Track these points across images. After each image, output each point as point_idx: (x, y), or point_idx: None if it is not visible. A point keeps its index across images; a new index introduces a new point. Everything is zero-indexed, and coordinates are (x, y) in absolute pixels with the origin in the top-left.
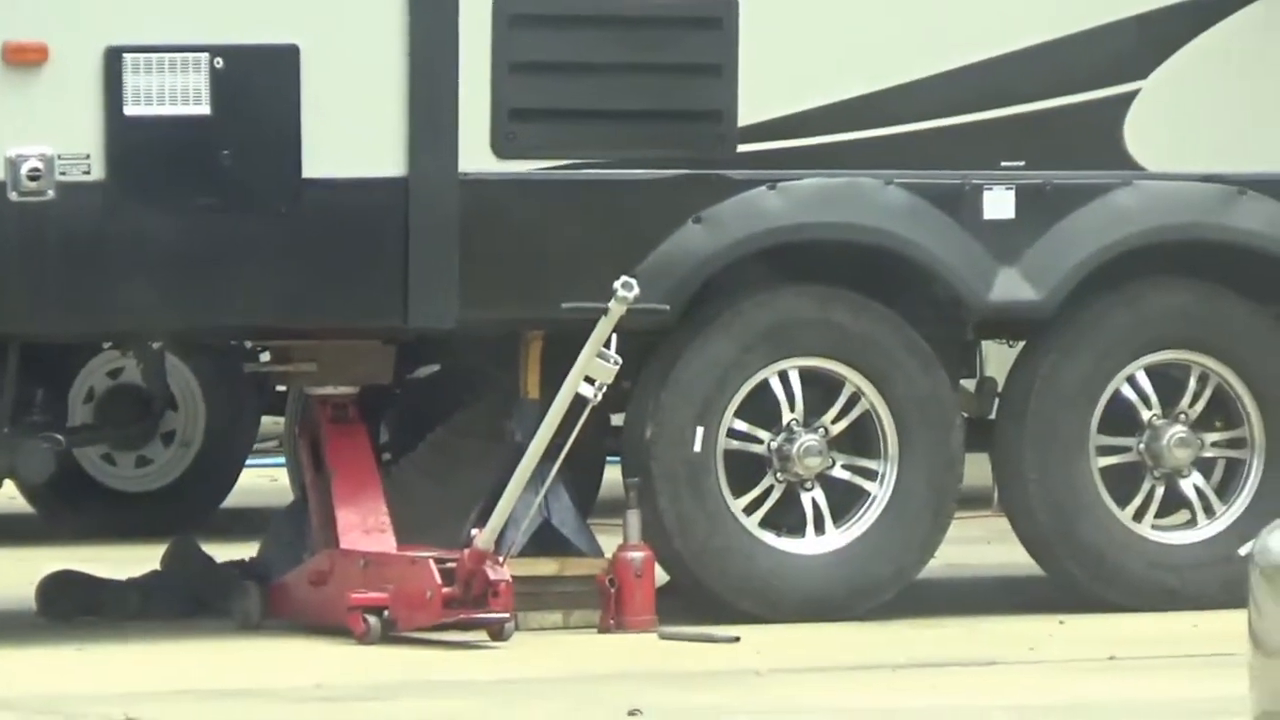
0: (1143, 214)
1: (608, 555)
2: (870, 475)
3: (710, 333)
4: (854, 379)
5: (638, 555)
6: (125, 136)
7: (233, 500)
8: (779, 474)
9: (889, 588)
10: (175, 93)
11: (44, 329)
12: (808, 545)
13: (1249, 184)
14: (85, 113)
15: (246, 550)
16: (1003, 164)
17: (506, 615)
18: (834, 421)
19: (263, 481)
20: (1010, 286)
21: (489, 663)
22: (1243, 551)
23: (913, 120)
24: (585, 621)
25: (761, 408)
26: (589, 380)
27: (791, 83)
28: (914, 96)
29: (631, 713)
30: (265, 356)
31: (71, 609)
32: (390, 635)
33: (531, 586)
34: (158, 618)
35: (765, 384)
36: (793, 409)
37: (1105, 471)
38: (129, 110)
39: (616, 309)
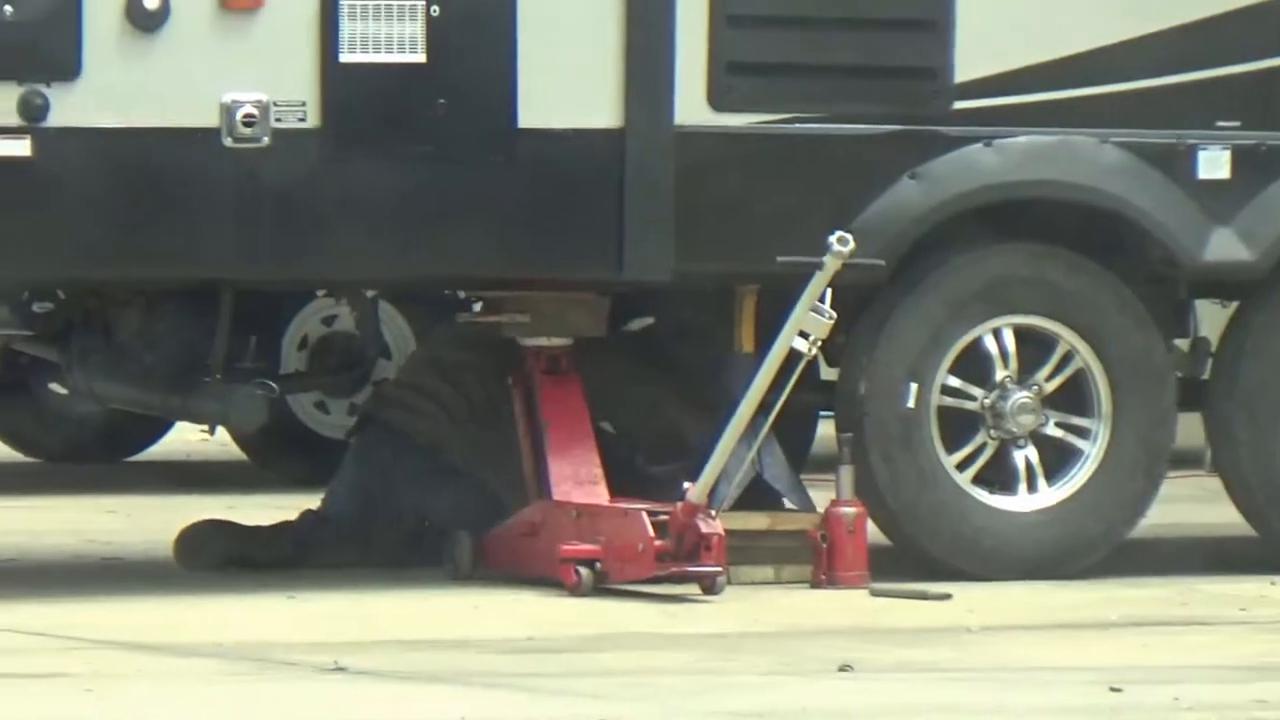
0: None
1: (820, 510)
2: (1083, 433)
3: (924, 289)
4: (1068, 337)
5: (850, 511)
6: (341, 84)
7: None
8: (992, 431)
9: (1100, 547)
10: (391, 40)
11: (257, 276)
12: (1019, 503)
13: None
14: (301, 59)
15: None
16: (1218, 124)
17: (718, 569)
18: (1047, 379)
19: None
20: (1224, 246)
21: (700, 616)
22: None
23: (1128, 79)
24: (797, 576)
25: (975, 364)
26: (803, 335)
27: (1007, 40)
28: (1130, 55)
29: (842, 668)
30: (478, 306)
31: (216, 559)
32: (601, 587)
33: (743, 540)
34: (314, 565)
35: (979, 341)
36: (1006, 366)
37: None
38: (345, 57)
39: (832, 263)
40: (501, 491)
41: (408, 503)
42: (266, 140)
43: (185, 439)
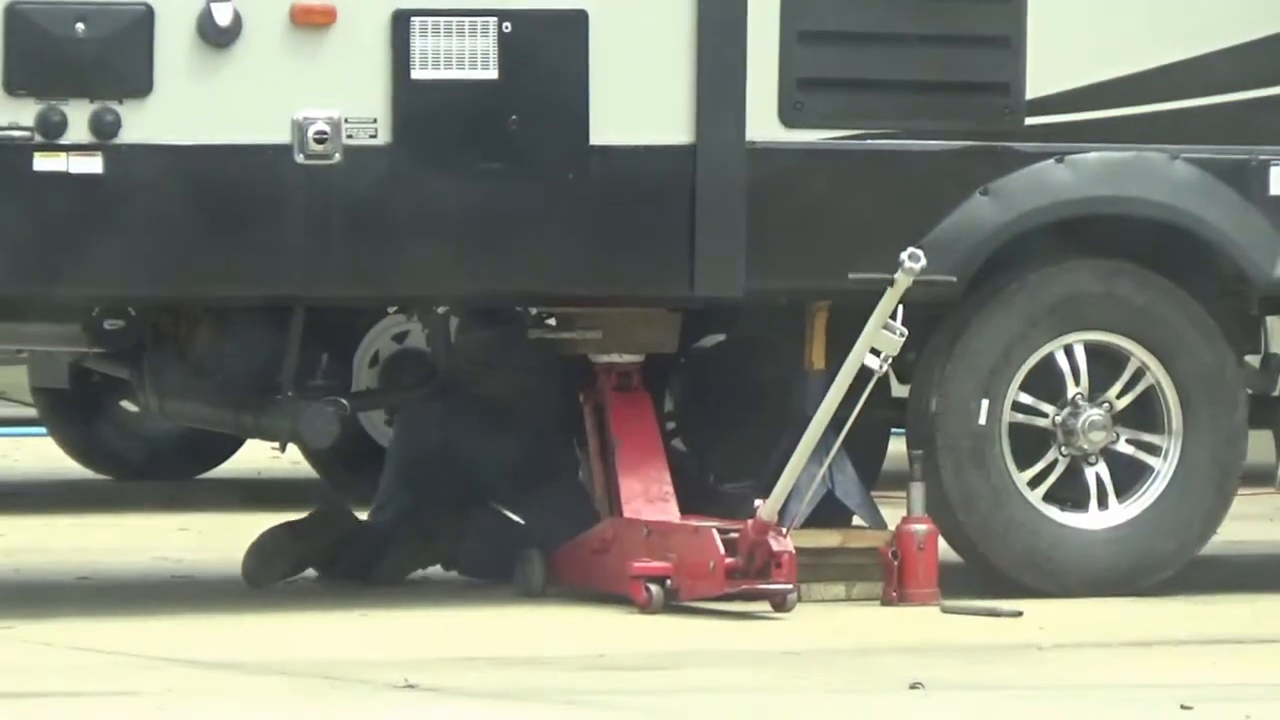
0: None
1: (891, 527)
2: (1154, 450)
3: (996, 305)
4: (1139, 354)
5: (921, 528)
6: (413, 100)
7: None
8: (1063, 448)
9: (1171, 564)
10: (463, 57)
11: (328, 293)
12: (1090, 520)
13: None
14: (372, 76)
15: None
16: None
17: (789, 586)
18: (1119, 396)
19: None
20: None
21: (771, 633)
22: None
23: (1200, 94)
24: (867, 594)
25: (1046, 381)
26: (874, 352)
27: (1079, 55)
28: (1202, 70)
29: (913, 685)
30: (550, 323)
31: (287, 568)
32: (672, 605)
33: (814, 558)
34: (378, 580)
35: (1050, 357)
36: (1078, 383)
37: None
38: (416, 74)
39: (903, 280)
40: (559, 463)
41: (463, 457)
42: (338, 157)
43: (257, 456)
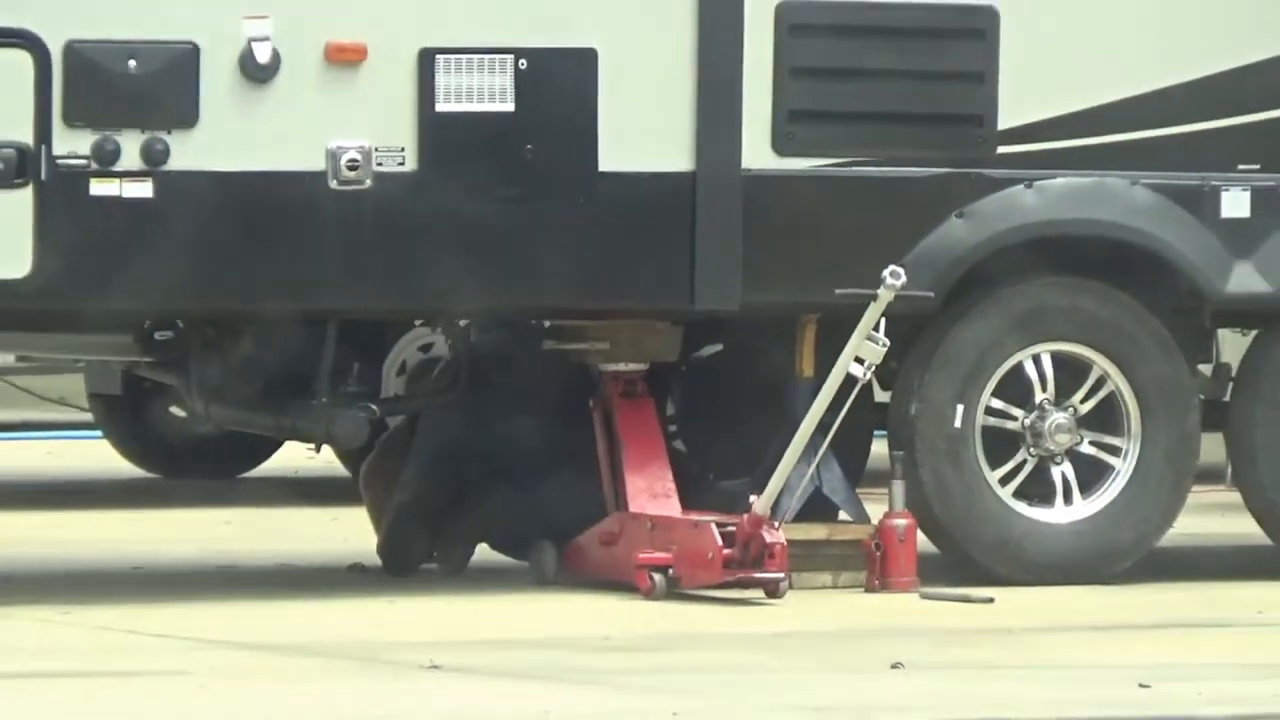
0: None
1: (874, 522)
2: (1114, 451)
3: (971, 318)
4: (1101, 362)
5: (901, 522)
6: (437, 131)
7: None
8: (1031, 449)
9: (1131, 554)
10: (483, 91)
11: (360, 307)
12: (1057, 514)
13: None
14: (401, 108)
15: None
16: (1240, 167)
17: (781, 575)
18: (1082, 401)
19: None
20: (1245, 279)
21: (764, 618)
22: None
23: (1158, 126)
24: (852, 582)
25: (1016, 388)
26: (859, 360)
27: (1048, 90)
28: (1159, 104)
29: (894, 665)
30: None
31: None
32: (674, 592)
33: (804, 549)
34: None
35: (1020, 366)
36: (1045, 389)
37: None
38: (440, 107)
39: (885, 295)
40: (572, 448)
41: (488, 444)
42: (369, 183)
43: (294, 456)
